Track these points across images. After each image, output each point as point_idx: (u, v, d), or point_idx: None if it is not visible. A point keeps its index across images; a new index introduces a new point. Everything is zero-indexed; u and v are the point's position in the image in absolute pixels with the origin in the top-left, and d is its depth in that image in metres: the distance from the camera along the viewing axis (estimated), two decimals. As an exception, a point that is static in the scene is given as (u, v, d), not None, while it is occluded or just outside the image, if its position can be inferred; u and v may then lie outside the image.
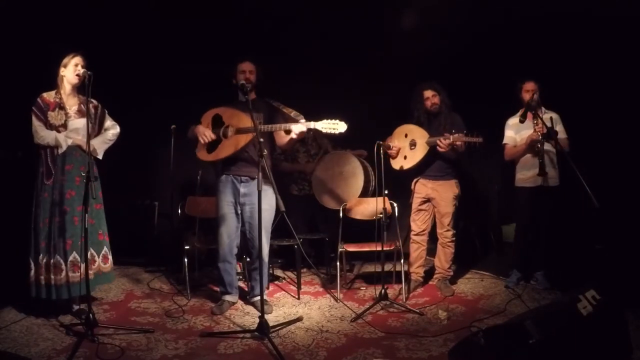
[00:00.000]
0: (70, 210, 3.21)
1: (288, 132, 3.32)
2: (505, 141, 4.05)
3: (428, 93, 3.94)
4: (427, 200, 4.03)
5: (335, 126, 3.15)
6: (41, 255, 3.18)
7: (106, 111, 3.47)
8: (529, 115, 3.82)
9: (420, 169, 3.99)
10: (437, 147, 3.73)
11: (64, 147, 3.21)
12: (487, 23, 4.74)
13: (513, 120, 4.02)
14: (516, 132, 3.98)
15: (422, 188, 4.02)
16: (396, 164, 4.05)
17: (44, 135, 3.20)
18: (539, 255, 3.94)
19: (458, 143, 3.69)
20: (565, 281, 3.78)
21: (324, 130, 3.18)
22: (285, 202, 3.07)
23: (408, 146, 3.98)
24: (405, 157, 3.98)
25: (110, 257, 3.44)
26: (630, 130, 4.30)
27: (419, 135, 3.91)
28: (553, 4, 4.26)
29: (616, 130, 4.39)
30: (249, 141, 3.37)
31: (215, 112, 3.50)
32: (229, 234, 3.54)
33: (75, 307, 3.35)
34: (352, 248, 4.05)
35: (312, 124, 3.19)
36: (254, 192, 3.48)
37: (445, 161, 3.94)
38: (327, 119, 3.17)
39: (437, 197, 3.97)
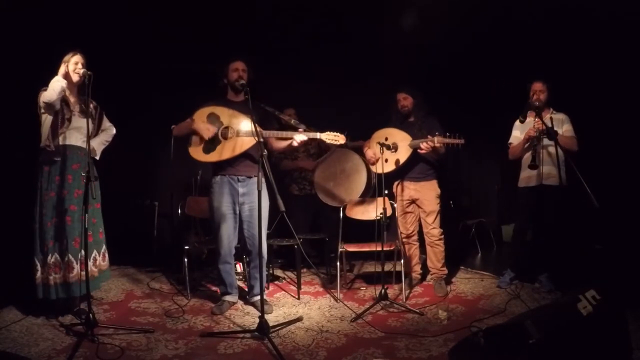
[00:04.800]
0: (78, 209, 3.22)
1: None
2: (510, 140, 4.04)
3: (400, 95, 4.03)
4: (412, 202, 4.06)
5: (337, 138, 3.43)
6: (50, 255, 3.18)
7: (104, 112, 3.49)
8: (532, 114, 3.81)
9: (402, 172, 4.01)
10: (419, 150, 3.78)
11: (63, 85, 3.13)
12: (486, 24, 4.75)
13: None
14: (522, 132, 3.94)
15: (405, 190, 4.06)
16: (378, 167, 3.96)
17: (45, 93, 3.11)
18: (541, 258, 3.91)
19: (439, 145, 3.74)
20: (568, 283, 3.76)
21: (327, 141, 3.43)
22: (286, 202, 3.08)
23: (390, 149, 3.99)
24: (386, 161, 3.97)
25: (107, 255, 3.46)
26: (630, 131, 4.31)
27: (401, 138, 3.94)
28: (554, 2, 4.26)
29: (616, 130, 4.40)
30: (253, 145, 3.39)
31: (211, 111, 3.48)
32: (228, 235, 3.54)
33: (76, 307, 3.35)
34: (352, 248, 4.05)
35: (318, 135, 3.41)
36: (252, 191, 3.49)
37: (428, 163, 4.00)
38: (330, 131, 3.45)
39: (421, 197, 4.01)
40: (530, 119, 3.84)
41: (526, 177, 3.91)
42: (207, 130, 3.40)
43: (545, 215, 3.83)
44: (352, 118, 5.25)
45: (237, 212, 3.54)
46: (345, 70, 5.35)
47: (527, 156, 3.85)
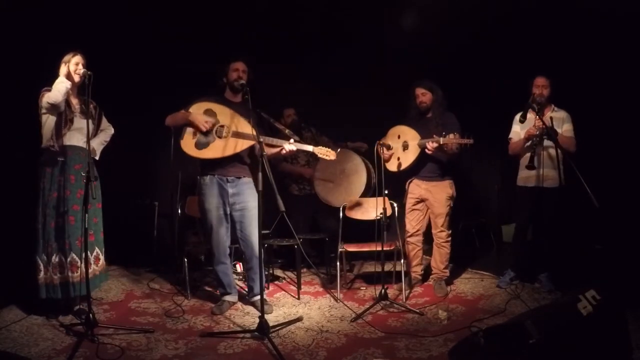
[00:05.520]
0: (81, 209, 3.21)
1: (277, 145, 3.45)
2: (510, 135, 3.99)
3: (418, 91, 3.94)
4: (421, 200, 4.02)
5: (328, 153, 3.47)
6: (54, 255, 3.18)
7: (102, 112, 3.50)
8: (532, 112, 3.77)
9: (414, 170, 3.97)
10: (425, 150, 3.73)
11: (68, 86, 3.15)
12: (486, 23, 4.75)
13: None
14: (522, 127, 3.90)
15: (415, 189, 4.02)
16: (391, 166, 4.02)
17: (50, 94, 3.11)
18: (540, 257, 3.90)
19: (452, 145, 3.66)
20: (568, 283, 3.74)
21: (319, 155, 3.47)
22: (286, 202, 3.08)
23: (401, 147, 3.97)
24: (398, 159, 3.96)
25: (102, 257, 3.46)
26: (630, 130, 4.30)
27: (411, 136, 3.90)
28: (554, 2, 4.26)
29: (616, 130, 4.39)
30: (249, 147, 3.40)
31: (209, 107, 3.46)
32: (221, 236, 3.54)
33: (76, 307, 3.35)
34: (352, 248, 4.05)
35: (311, 148, 3.44)
36: (242, 192, 3.50)
37: (437, 162, 3.92)
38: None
39: (431, 197, 3.96)
40: (531, 116, 3.80)
41: (524, 177, 3.90)
42: (205, 122, 3.37)
43: (545, 215, 3.81)
44: (352, 118, 5.25)
45: (228, 212, 3.53)
46: (346, 70, 5.35)
47: (526, 157, 3.82)
